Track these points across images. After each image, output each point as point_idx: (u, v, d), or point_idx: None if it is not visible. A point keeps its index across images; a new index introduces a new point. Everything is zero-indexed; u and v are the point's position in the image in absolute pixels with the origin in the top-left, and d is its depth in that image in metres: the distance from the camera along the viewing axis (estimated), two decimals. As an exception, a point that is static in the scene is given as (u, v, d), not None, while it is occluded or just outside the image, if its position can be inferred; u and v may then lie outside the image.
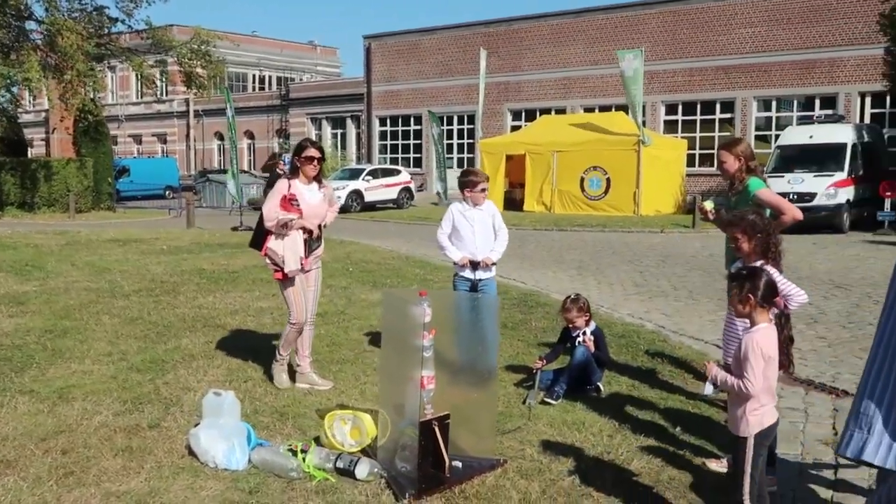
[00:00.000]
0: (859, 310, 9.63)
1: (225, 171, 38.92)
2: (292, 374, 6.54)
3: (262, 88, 60.05)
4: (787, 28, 28.31)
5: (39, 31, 30.01)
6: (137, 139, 58.10)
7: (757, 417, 3.68)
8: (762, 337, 3.67)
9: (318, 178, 6.45)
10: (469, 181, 6.72)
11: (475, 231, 6.71)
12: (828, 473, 4.73)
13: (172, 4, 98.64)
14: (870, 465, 1.10)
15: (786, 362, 3.84)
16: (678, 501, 4.31)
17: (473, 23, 36.56)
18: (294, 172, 6.40)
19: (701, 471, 4.73)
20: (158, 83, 45.57)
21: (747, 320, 3.86)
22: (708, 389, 3.99)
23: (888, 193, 19.24)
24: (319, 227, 6.41)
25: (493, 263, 6.81)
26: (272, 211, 6.18)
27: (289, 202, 6.22)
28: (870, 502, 1.33)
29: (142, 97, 56.17)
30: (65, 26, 27.07)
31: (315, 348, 7.07)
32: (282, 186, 6.31)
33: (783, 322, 3.75)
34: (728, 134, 29.35)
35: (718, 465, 4.76)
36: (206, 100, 44.00)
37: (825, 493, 4.48)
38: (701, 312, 9.59)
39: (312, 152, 6.31)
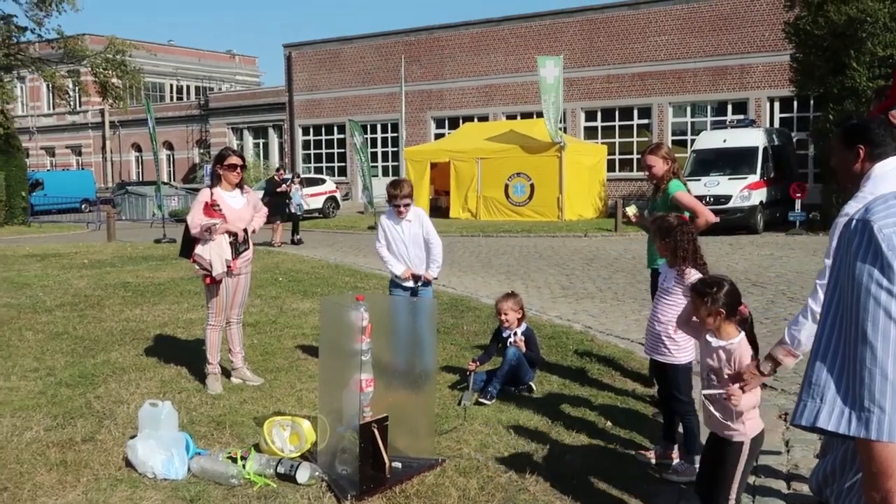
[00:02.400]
0: (775, 306, 10.06)
1: (144, 184, 38.23)
2: (226, 381, 6.56)
3: (179, 98, 59.05)
4: (700, 36, 29.21)
5: None
6: (50, 151, 56.45)
7: (753, 423, 3.72)
8: (745, 348, 3.73)
9: (240, 185, 6.63)
10: (389, 195, 6.79)
11: (406, 243, 6.81)
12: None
13: (85, 13, 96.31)
14: (823, 431, 1.22)
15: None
16: (611, 492, 4.48)
17: (394, 31, 36.63)
18: (216, 180, 6.54)
19: (632, 462, 4.93)
20: (72, 94, 44.44)
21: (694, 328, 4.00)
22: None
23: (798, 195, 20.04)
24: (245, 231, 6.55)
25: (435, 278, 6.93)
26: (196, 218, 6.36)
27: (211, 208, 6.39)
28: (813, 476, 1.46)
29: (54, 108, 54.61)
30: None
31: (249, 357, 7.10)
32: (203, 195, 6.51)
33: (748, 327, 3.90)
34: (646, 140, 30.14)
35: (647, 456, 4.96)
36: (122, 111, 43.07)
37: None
38: (626, 312, 9.88)
39: (234, 160, 6.53)
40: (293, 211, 20.39)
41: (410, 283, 6.86)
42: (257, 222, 6.69)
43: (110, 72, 31.64)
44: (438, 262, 6.89)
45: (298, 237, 20.38)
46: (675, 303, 4.72)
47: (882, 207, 1.27)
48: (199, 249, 6.36)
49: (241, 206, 6.54)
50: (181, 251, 6.67)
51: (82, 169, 51.09)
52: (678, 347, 4.74)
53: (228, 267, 6.38)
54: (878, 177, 3.42)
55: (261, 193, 27.16)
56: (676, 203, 5.70)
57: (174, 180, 45.22)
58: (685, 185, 5.95)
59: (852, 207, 3.12)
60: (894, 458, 1.18)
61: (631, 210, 6.16)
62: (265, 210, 6.93)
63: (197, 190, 35.67)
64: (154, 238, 21.00)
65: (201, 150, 47.98)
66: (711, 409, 3.76)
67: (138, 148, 52.11)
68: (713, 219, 5.68)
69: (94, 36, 41.65)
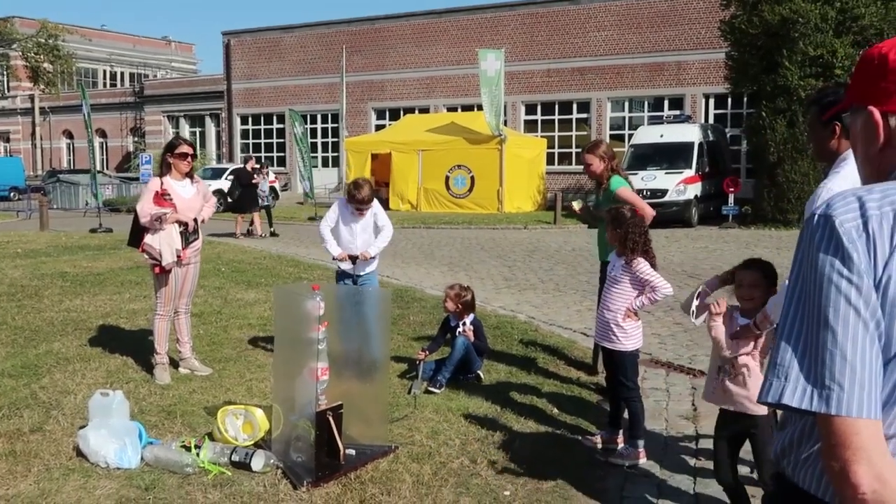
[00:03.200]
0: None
1: (76, 172, 37.33)
2: (174, 371, 6.55)
3: (113, 85, 57.79)
4: (638, 32, 29.72)
5: None
6: (-23, 137, 54.77)
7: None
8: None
9: (190, 174, 6.62)
10: (349, 194, 6.87)
11: (355, 233, 6.89)
12: (689, 444, 5.18)
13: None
14: (787, 408, 1.38)
15: None
16: (561, 477, 4.62)
17: (336, 21, 36.46)
18: (166, 169, 6.52)
19: (579, 447, 5.09)
20: (0, 78, 43.11)
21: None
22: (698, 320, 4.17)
23: (731, 189, 20.59)
24: (195, 220, 6.55)
25: (372, 257, 7.00)
26: (146, 208, 6.34)
27: (161, 198, 6.39)
28: (773, 450, 1.61)
29: (-19, 93, 52.90)
30: None
31: (196, 347, 7.07)
32: (153, 184, 6.48)
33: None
34: (584, 133, 30.58)
35: (593, 441, 5.13)
36: (54, 97, 41.92)
37: (689, 461, 4.92)
38: (568, 303, 10.09)
39: (185, 149, 6.55)
40: (266, 202, 19.87)
41: (347, 265, 6.94)
42: (207, 212, 6.67)
43: (42, 56, 30.78)
44: (381, 245, 7.01)
45: (272, 229, 19.89)
46: (623, 291, 4.90)
47: (842, 203, 1.41)
48: (148, 239, 6.33)
49: (191, 196, 6.53)
50: (129, 240, 6.65)
51: (10, 156, 49.60)
52: (626, 335, 4.91)
53: (178, 256, 6.37)
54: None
55: (216, 183, 26.98)
56: (619, 198, 5.87)
57: (108, 169, 44.28)
58: (627, 179, 6.13)
59: (836, 184, 3.24)
60: (851, 430, 1.33)
61: (577, 204, 6.34)
62: (214, 199, 6.91)
63: (131, 179, 35.15)
64: (89, 227, 20.55)
65: (136, 139, 47.03)
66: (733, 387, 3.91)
67: (69, 135, 50.81)
68: (652, 213, 5.87)
69: (24, 19, 40.48)
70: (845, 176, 3.27)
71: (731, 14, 21.25)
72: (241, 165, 20.61)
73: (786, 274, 1.72)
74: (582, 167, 6.42)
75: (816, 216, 1.43)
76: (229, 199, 20.74)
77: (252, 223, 19.41)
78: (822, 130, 3.54)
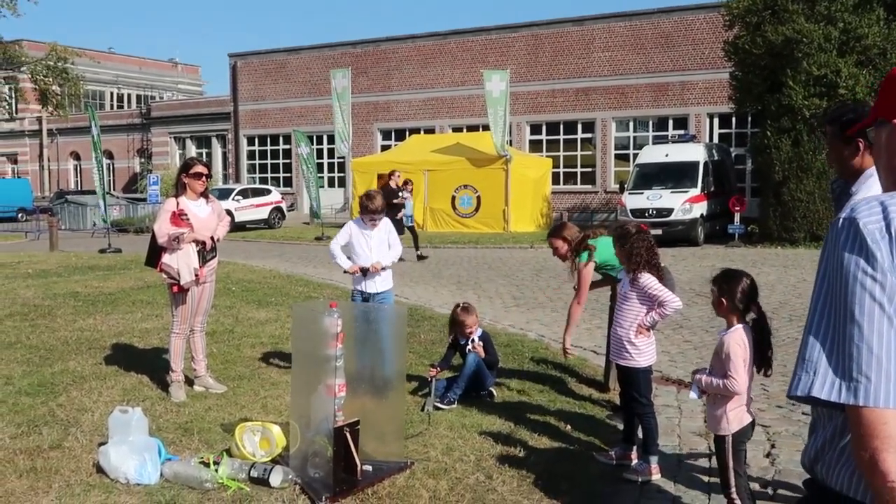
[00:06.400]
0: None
1: (84, 193, 37.54)
2: (189, 389, 6.62)
3: (120, 107, 58.19)
4: (642, 53, 29.92)
5: None
6: (-15, 159, 55.06)
7: (737, 415, 4.06)
8: (739, 337, 4.05)
9: (205, 194, 6.71)
10: (362, 206, 7.00)
11: (370, 246, 6.99)
12: (703, 462, 5.22)
13: (22, 18, 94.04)
14: (816, 401, 1.46)
15: (764, 365, 4.12)
16: (573, 491, 4.67)
17: (341, 43, 36.75)
18: (181, 189, 6.62)
19: (591, 463, 5.13)
20: (9, 101, 43.40)
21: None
22: (693, 394, 4.33)
23: (737, 208, 20.67)
24: (212, 239, 6.64)
25: (384, 268, 7.07)
26: (163, 228, 6.43)
27: (178, 218, 6.46)
28: (805, 454, 1.68)
29: (-10, 115, 53.21)
30: None
31: (210, 366, 7.14)
32: (169, 204, 6.57)
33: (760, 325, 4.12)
34: (590, 153, 30.74)
35: (605, 458, 5.17)
36: (62, 118, 42.18)
37: (703, 478, 4.96)
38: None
39: (200, 169, 6.64)
40: (408, 223, 17.59)
41: (361, 285, 7.02)
42: (222, 230, 6.77)
43: (51, 79, 30.98)
44: (393, 257, 7.13)
45: (419, 252, 17.76)
46: (633, 308, 4.97)
47: (865, 207, 1.50)
48: (166, 258, 6.42)
49: (207, 215, 6.63)
50: (147, 260, 6.72)
51: (18, 177, 49.89)
52: (639, 352, 4.97)
53: (196, 275, 6.46)
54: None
55: (224, 204, 27.02)
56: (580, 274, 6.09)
57: (115, 189, 44.47)
58: (591, 255, 6.16)
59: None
60: (879, 421, 1.40)
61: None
62: (228, 218, 7.01)
63: (139, 199, 35.31)
64: (98, 248, 20.68)
65: (142, 160, 47.28)
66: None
67: (77, 156, 51.12)
68: (583, 303, 6.21)
69: (32, 42, 40.82)
70: (872, 189, 3.31)
71: (734, 34, 21.40)
72: (387, 182, 17.52)
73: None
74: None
75: (841, 219, 1.52)
76: None
77: None
78: (845, 147, 3.58)
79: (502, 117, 25.91)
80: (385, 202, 7.34)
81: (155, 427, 5.69)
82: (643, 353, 4.99)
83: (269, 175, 38.88)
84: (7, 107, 37.73)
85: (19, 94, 43.05)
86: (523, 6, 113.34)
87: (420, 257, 17.50)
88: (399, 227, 15.68)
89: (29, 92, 36.06)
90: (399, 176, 17.41)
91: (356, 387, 5.12)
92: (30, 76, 31.67)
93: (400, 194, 16.91)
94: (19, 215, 37.93)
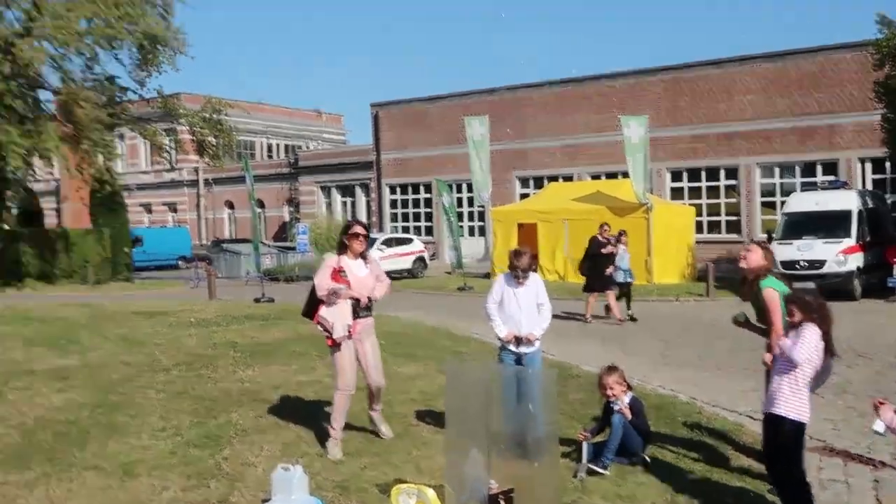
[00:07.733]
0: (884, 378, 9.88)
1: (238, 241, 39.43)
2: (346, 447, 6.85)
3: (269, 156, 60.93)
4: (786, 95, 28.93)
5: (55, 101, 30.16)
6: (147, 208, 58.61)
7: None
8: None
9: (363, 255, 7.02)
10: (511, 264, 7.12)
11: (520, 305, 7.07)
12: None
13: (176, 72, 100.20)
14: None
15: None
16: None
17: (478, 91, 37.21)
18: (342, 249, 6.97)
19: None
20: (170, 152, 46.22)
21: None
22: (879, 427, 4.31)
23: (895, 260, 19.51)
24: (368, 298, 6.93)
25: (537, 339, 7.13)
26: (324, 282, 6.79)
27: (338, 273, 6.81)
28: None
29: (152, 165, 56.82)
30: (81, 96, 26.96)
31: (364, 425, 7.38)
32: (331, 261, 6.96)
33: None
34: (734, 201, 29.90)
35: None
36: (218, 168, 44.51)
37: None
38: (731, 383, 9.82)
39: (358, 229, 6.98)
40: (622, 279, 16.39)
41: (513, 347, 7.09)
42: (379, 291, 7.03)
43: (207, 130, 32.71)
44: (544, 326, 7.17)
45: (630, 312, 16.36)
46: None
47: None
48: (323, 311, 6.78)
49: (365, 275, 6.95)
50: (304, 310, 7.09)
51: (178, 225, 53.00)
52: (787, 399, 5.05)
53: (349, 331, 6.73)
54: None
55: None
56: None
57: (266, 238, 46.49)
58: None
59: None
60: None
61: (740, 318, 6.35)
62: (389, 282, 7.25)
63: (289, 248, 36.76)
64: (253, 297, 21.63)
65: (291, 208, 49.21)
66: None
67: (231, 205, 53.78)
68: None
69: (188, 94, 43.49)
70: None
71: (885, 74, 20.45)
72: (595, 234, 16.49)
73: None
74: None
75: None
76: (580, 274, 17.14)
77: (608, 306, 16.01)
78: None
79: (642, 164, 25.54)
80: (532, 261, 7.39)
81: (314, 485, 5.90)
82: (790, 402, 4.96)
83: (410, 224, 39.64)
84: (168, 157, 40.04)
85: (179, 146, 45.66)
86: (660, 49, 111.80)
87: (631, 318, 16.17)
88: (605, 281, 15.70)
89: (187, 143, 38.17)
90: (607, 229, 16.55)
91: (505, 451, 5.17)
92: (188, 128, 33.51)
93: (609, 245, 16.01)
94: (180, 263, 40.23)
